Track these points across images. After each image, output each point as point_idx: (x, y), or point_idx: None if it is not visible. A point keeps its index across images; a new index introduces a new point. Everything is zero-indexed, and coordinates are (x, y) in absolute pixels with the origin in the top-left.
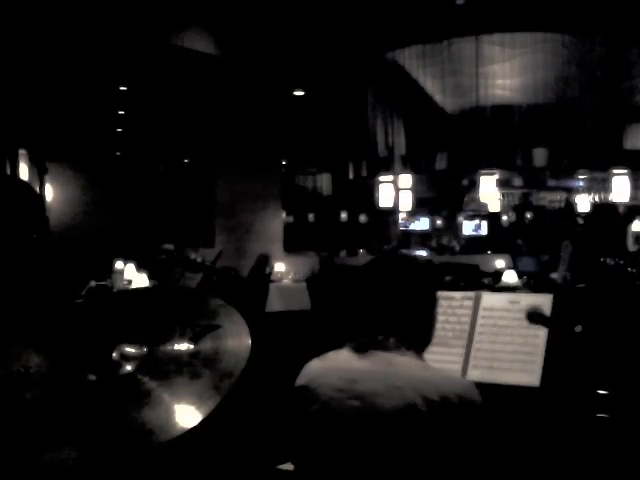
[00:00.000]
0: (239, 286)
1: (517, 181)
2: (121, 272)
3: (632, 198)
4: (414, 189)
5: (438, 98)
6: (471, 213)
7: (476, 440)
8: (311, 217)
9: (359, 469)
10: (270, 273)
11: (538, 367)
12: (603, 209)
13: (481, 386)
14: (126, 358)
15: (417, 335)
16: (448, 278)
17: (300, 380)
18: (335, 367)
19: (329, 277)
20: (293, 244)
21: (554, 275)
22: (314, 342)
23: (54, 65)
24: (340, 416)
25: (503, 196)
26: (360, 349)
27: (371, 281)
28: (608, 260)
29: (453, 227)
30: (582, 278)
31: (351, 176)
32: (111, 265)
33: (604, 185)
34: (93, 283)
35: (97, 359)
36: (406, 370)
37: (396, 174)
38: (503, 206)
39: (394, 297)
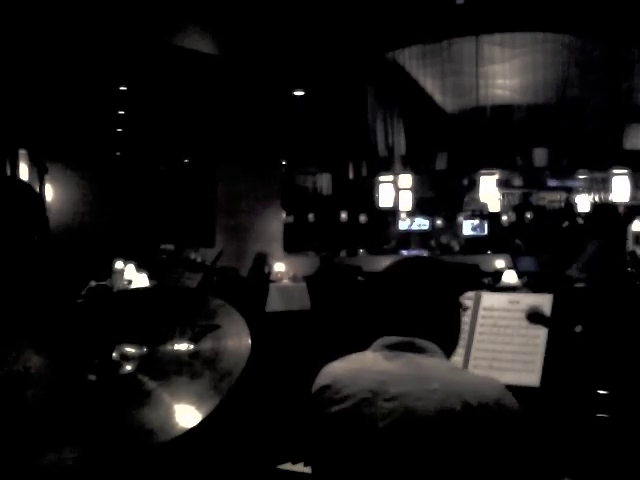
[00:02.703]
0: (239, 286)
1: (517, 181)
2: (121, 272)
3: (632, 198)
4: (414, 189)
5: (438, 98)
6: (471, 213)
7: (513, 446)
8: (311, 217)
9: (391, 472)
10: (270, 273)
11: (538, 367)
12: (603, 209)
13: None
14: (126, 358)
15: (446, 337)
16: None
17: (321, 380)
18: (362, 368)
19: (329, 277)
20: (293, 244)
21: (569, 272)
22: (314, 342)
23: (54, 65)
24: (374, 418)
25: (503, 196)
26: (388, 349)
27: (399, 281)
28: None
29: (453, 227)
30: (605, 277)
31: (351, 176)
32: (111, 265)
33: (604, 185)
34: (93, 283)
35: (97, 359)
36: (439, 373)
37: (396, 174)
38: (503, 206)
39: (426, 298)
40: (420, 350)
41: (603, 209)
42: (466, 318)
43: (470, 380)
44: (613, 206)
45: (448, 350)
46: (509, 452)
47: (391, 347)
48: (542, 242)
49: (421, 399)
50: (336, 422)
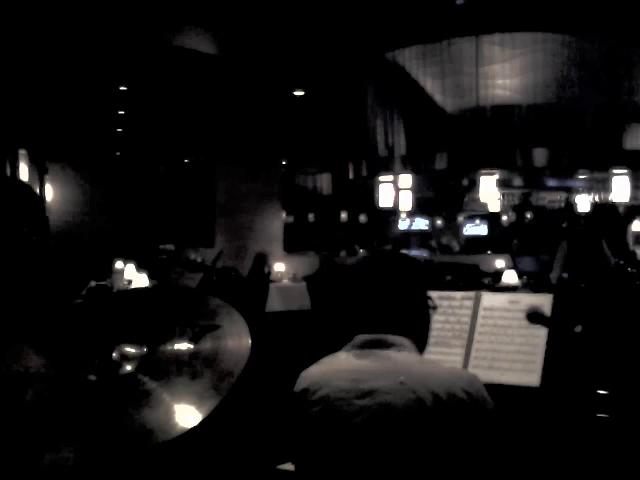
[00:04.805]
0: (239, 286)
1: (517, 181)
2: (121, 272)
3: (632, 198)
4: (414, 189)
5: (438, 98)
6: (471, 213)
7: (486, 434)
8: (311, 217)
9: (370, 469)
10: (269, 273)
11: (538, 367)
12: (603, 209)
13: None
14: (126, 358)
15: (416, 331)
16: (448, 278)
17: (300, 385)
18: (335, 369)
19: (329, 276)
20: (293, 244)
21: (550, 275)
22: (314, 342)
23: (54, 65)
24: (349, 416)
25: (503, 196)
26: (359, 348)
27: (365, 278)
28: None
29: (453, 227)
30: (581, 279)
31: (351, 176)
32: (111, 265)
33: (604, 185)
34: (93, 283)
35: (97, 359)
36: (406, 366)
37: (396, 174)
38: (503, 206)
39: (390, 292)
40: (389, 345)
41: (603, 209)
42: (466, 318)
43: (438, 371)
44: (613, 206)
45: (419, 344)
46: (481, 439)
47: (362, 345)
48: (542, 242)
49: (391, 393)
50: (315, 423)
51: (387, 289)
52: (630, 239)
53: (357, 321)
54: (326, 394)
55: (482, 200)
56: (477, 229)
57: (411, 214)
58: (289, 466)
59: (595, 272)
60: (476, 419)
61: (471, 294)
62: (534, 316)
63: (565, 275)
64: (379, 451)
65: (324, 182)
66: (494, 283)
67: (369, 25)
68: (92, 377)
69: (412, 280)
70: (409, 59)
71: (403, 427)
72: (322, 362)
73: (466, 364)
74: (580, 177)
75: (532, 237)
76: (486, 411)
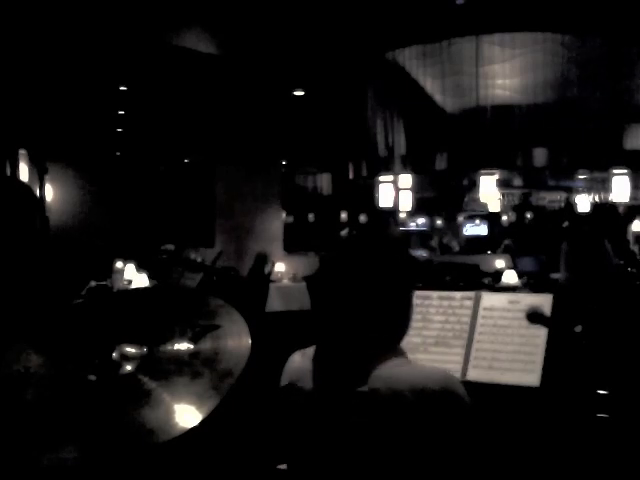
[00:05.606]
0: (239, 286)
1: (517, 181)
2: (121, 272)
3: (632, 198)
4: (414, 189)
5: (438, 98)
6: (471, 213)
7: (465, 431)
8: (311, 217)
9: (352, 463)
10: (270, 273)
11: (538, 367)
12: (603, 209)
13: (481, 386)
14: (126, 358)
15: (391, 326)
16: (448, 278)
17: (284, 379)
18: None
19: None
20: (293, 244)
21: (556, 276)
22: (314, 342)
23: (54, 65)
24: (328, 412)
25: (503, 196)
26: None
27: (330, 279)
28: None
29: (453, 227)
30: (585, 279)
31: (351, 176)
32: (111, 265)
33: (604, 185)
34: (93, 283)
35: (97, 359)
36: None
37: (396, 174)
38: (503, 206)
39: (360, 290)
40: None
41: (603, 209)
42: (466, 318)
43: (413, 368)
44: (613, 206)
45: (396, 336)
46: (461, 436)
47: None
48: (542, 242)
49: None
50: (298, 417)
51: (358, 287)
52: (630, 239)
53: (333, 320)
54: (307, 387)
55: (482, 200)
56: (477, 229)
57: (411, 214)
58: None
59: (598, 272)
60: (456, 416)
61: (471, 294)
62: (534, 316)
63: (568, 276)
64: (362, 445)
65: (324, 182)
66: (494, 283)
67: (369, 25)
68: (92, 377)
69: (382, 277)
70: (409, 59)
71: (386, 420)
72: (304, 353)
73: (466, 364)
74: (580, 177)
75: (532, 237)
76: (466, 408)
